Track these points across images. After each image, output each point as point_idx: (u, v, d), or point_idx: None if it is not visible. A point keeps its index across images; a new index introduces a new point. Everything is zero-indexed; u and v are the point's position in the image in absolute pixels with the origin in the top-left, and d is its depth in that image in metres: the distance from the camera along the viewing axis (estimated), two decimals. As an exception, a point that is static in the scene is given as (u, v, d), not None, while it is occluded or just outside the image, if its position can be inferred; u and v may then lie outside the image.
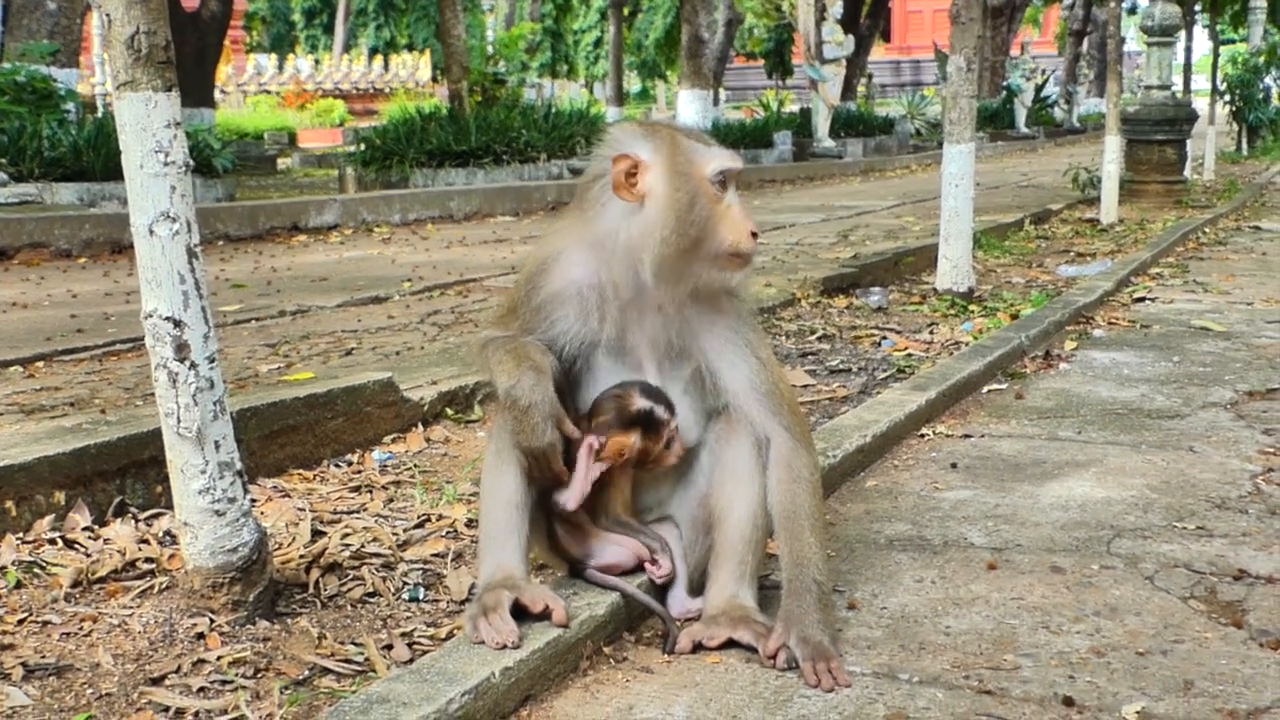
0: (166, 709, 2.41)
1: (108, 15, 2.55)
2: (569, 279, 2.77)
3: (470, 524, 3.42)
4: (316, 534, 3.34)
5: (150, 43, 2.56)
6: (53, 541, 3.16)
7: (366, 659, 2.64)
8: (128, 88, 2.57)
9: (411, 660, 2.60)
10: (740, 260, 2.73)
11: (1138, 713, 2.42)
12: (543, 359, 2.72)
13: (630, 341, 2.79)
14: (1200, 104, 19.27)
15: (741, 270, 2.74)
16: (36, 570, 3.02)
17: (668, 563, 2.84)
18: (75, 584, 2.95)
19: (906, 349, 6.01)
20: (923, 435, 4.59)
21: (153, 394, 2.72)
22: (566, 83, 49.92)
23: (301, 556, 3.14)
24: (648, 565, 2.84)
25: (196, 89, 17.83)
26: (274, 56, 42.26)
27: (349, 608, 2.94)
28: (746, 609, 2.76)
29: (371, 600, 2.98)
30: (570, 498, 2.75)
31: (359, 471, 3.98)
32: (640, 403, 2.72)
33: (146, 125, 2.57)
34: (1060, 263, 9.50)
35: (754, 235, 2.71)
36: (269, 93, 37.22)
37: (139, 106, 2.57)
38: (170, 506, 2.89)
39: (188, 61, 16.95)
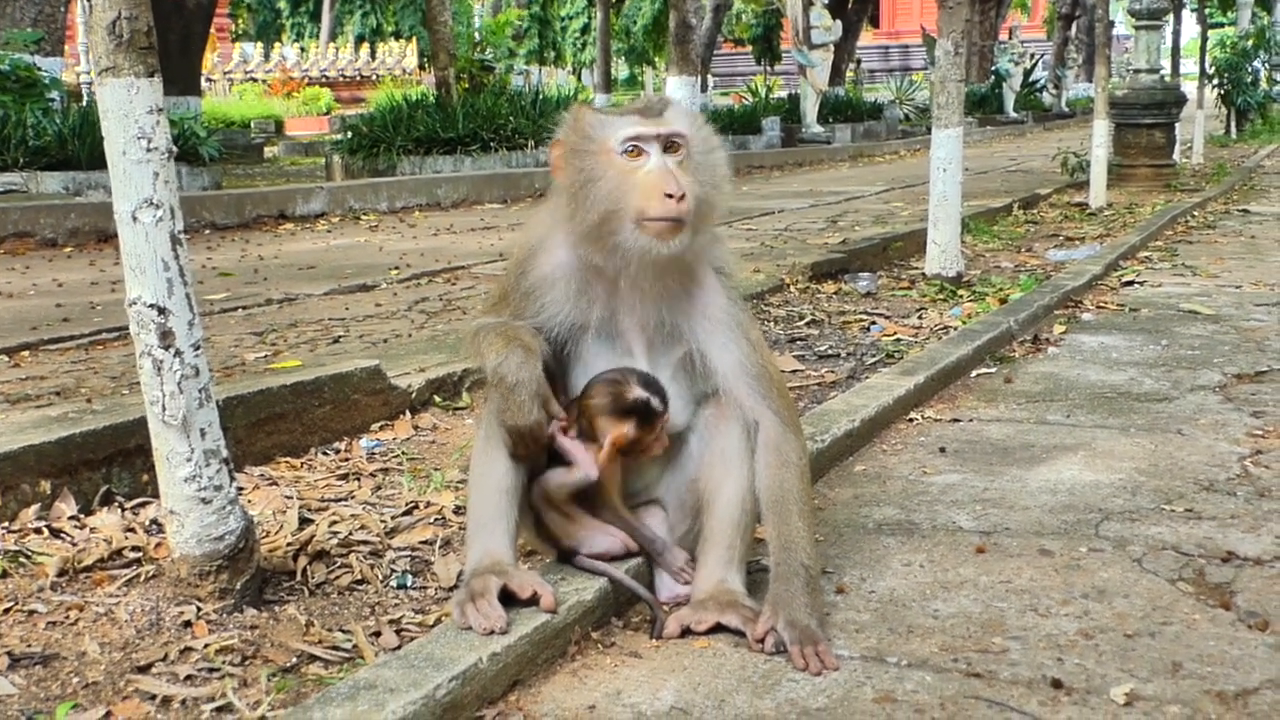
0: (153, 697, 2.40)
1: (89, 0, 2.53)
2: (556, 262, 2.78)
3: (458, 511, 3.41)
4: (304, 522, 3.33)
5: (132, 28, 2.54)
6: (39, 530, 3.15)
7: (354, 646, 2.63)
8: (110, 74, 2.55)
9: (399, 647, 2.59)
10: (660, 226, 2.61)
11: (1126, 694, 2.42)
12: (532, 340, 2.73)
13: (620, 325, 2.79)
14: (1189, 87, 19.28)
15: (668, 237, 2.62)
16: (22, 559, 3.01)
17: (674, 560, 2.84)
18: (61, 573, 2.94)
19: (895, 334, 6.01)
20: (911, 420, 4.58)
21: (139, 383, 2.71)
22: (554, 70, 49.78)
23: (289, 544, 3.13)
24: (673, 575, 2.84)
25: (182, 77, 17.73)
26: (260, 44, 42.09)
27: (337, 595, 2.93)
28: (734, 593, 2.75)
29: (359, 588, 2.97)
30: (590, 470, 2.75)
31: (347, 459, 3.98)
32: (637, 392, 2.71)
33: (129, 111, 2.55)
34: (1049, 247, 9.51)
35: (671, 197, 2.58)
36: (255, 81, 37.09)
37: (121, 93, 2.55)
38: (156, 495, 2.88)
39: (173, 49, 16.85)
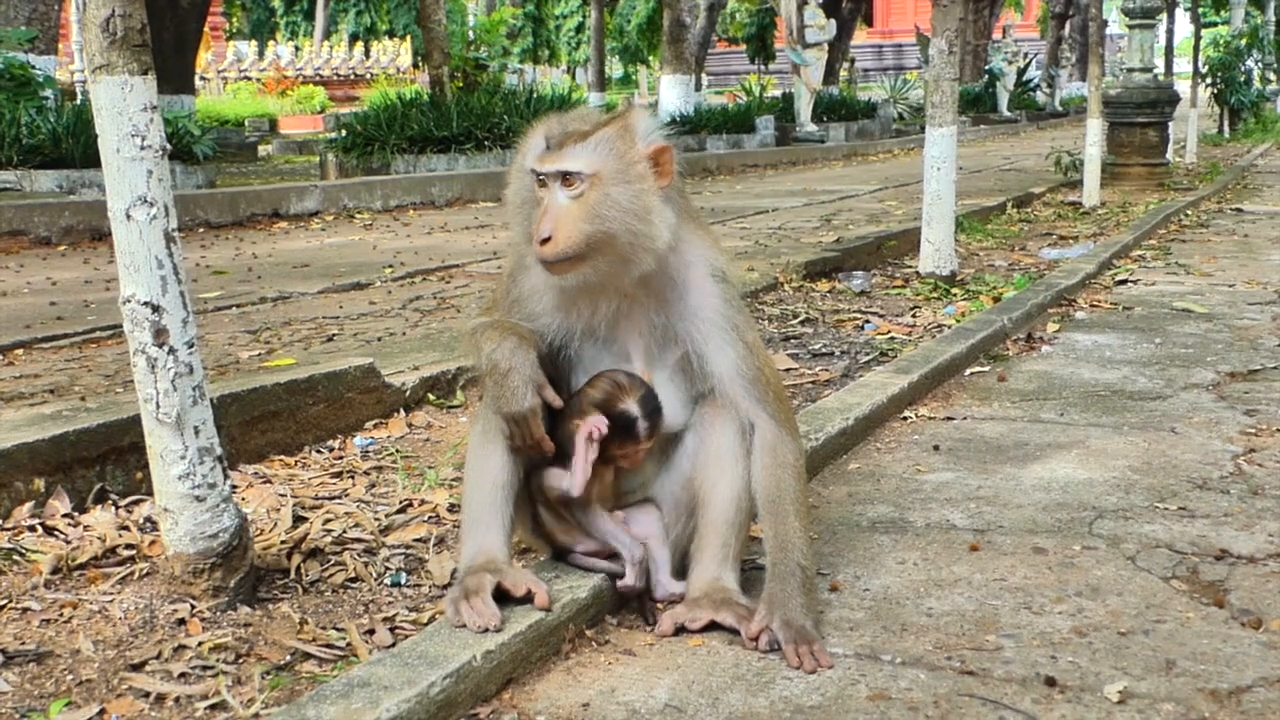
0: (147, 695, 2.40)
1: (83, -3, 2.53)
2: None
3: (452, 509, 3.41)
4: (298, 520, 3.33)
5: (125, 25, 2.54)
6: (32, 528, 3.14)
7: (348, 644, 2.63)
8: (104, 71, 2.54)
9: (393, 645, 2.60)
10: (546, 265, 2.62)
11: (1120, 692, 2.42)
12: (527, 332, 2.75)
13: (615, 329, 2.79)
14: (1182, 86, 19.28)
15: (556, 272, 2.62)
16: (16, 557, 3.00)
17: (633, 578, 2.80)
18: (55, 570, 2.94)
19: (889, 332, 6.01)
20: (905, 418, 4.59)
21: (133, 381, 2.70)
22: (548, 68, 49.80)
23: (283, 542, 3.13)
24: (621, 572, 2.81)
25: (176, 76, 17.72)
26: (254, 43, 42.07)
27: (330, 593, 2.93)
28: (729, 591, 2.76)
29: (353, 585, 2.97)
30: (574, 485, 2.74)
31: (340, 457, 3.97)
32: (629, 407, 2.72)
33: (123, 109, 2.55)
34: (1043, 246, 9.52)
35: (540, 242, 2.57)
36: (249, 79, 37.07)
37: (115, 90, 2.55)
38: (150, 493, 2.88)
39: (167, 48, 16.84)
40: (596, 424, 2.71)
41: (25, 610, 2.76)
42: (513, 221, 2.75)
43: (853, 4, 32.11)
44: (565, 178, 2.61)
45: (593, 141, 2.63)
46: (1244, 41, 26.36)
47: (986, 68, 35.69)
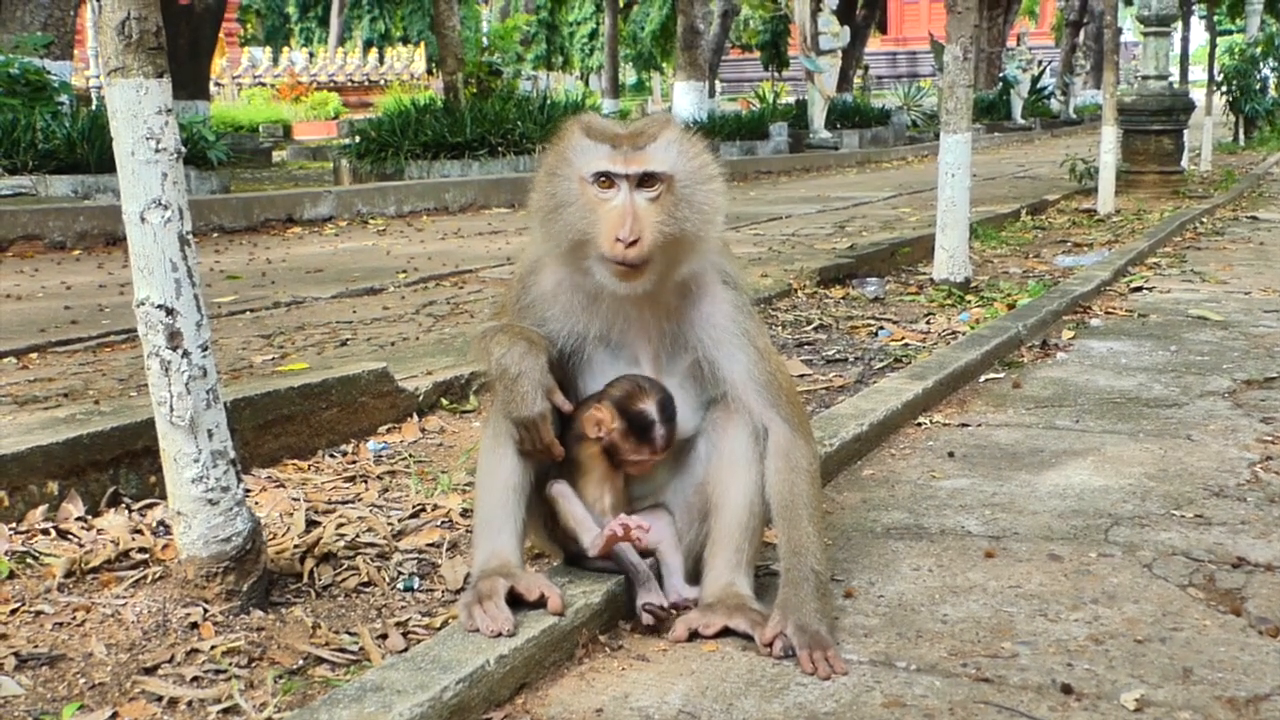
0: (160, 698, 2.40)
1: (99, 1, 2.53)
2: (556, 278, 2.78)
3: (465, 513, 3.40)
4: (311, 524, 3.33)
5: (141, 28, 2.54)
6: (46, 531, 3.14)
7: (361, 648, 2.62)
8: (119, 74, 2.55)
9: (406, 649, 2.59)
10: (615, 267, 2.58)
11: (1136, 700, 2.41)
12: (537, 336, 2.74)
13: (626, 335, 2.78)
14: (1197, 94, 19.24)
15: (625, 278, 2.59)
16: (29, 560, 3.01)
17: (654, 593, 2.78)
18: (68, 574, 2.93)
19: (903, 339, 6.00)
20: (920, 424, 4.57)
21: (146, 385, 2.70)
22: (562, 75, 49.90)
23: (296, 546, 3.12)
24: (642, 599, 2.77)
25: (191, 81, 17.79)
26: (269, 49, 42.22)
27: (343, 597, 2.92)
28: (743, 597, 2.74)
29: (366, 590, 2.96)
30: (593, 540, 2.75)
31: (354, 461, 3.97)
32: (648, 409, 2.72)
33: (138, 112, 2.55)
34: (1057, 253, 9.49)
35: (621, 242, 2.54)
36: (264, 85, 37.20)
37: (130, 93, 2.55)
38: (164, 496, 2.88)
39: (182, 54, 16.89)
40: (605, 418, 2.71)
41: (38, 613, 2.76)
42: (543, 225, 2.69)
43: (867, 11, 32.10)
44: (646, 179, 2.59)
45: (663, 142, 2.62)
46: (1259, 49, 26.28)
47: (1001, 75, 35.67)
